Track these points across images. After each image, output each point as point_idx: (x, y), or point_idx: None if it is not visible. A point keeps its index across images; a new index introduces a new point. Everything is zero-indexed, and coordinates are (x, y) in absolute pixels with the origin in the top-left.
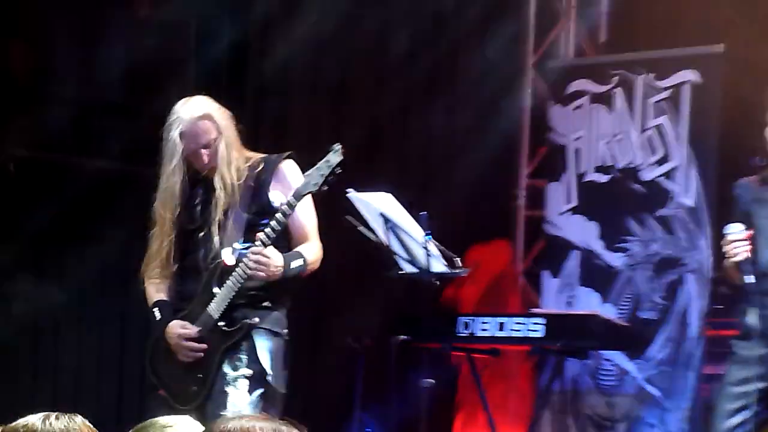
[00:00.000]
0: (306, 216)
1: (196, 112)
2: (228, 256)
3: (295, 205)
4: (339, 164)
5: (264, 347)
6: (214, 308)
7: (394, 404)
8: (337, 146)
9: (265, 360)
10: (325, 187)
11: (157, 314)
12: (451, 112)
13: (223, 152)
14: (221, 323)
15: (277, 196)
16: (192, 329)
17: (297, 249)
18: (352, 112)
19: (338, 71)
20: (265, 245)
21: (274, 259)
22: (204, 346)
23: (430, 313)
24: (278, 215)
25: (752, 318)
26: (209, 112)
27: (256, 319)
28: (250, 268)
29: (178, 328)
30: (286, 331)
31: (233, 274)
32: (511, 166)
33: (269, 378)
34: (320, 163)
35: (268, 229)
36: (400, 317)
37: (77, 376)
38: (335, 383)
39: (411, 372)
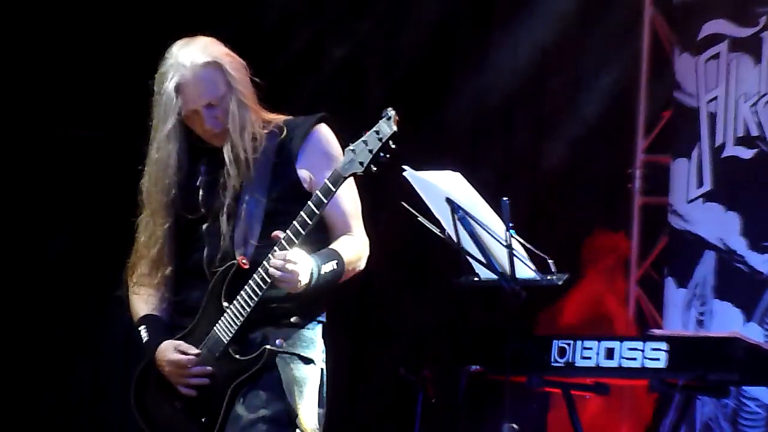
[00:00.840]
0: (347, 199)
1: (198, 57)
2: (242, 258)
3: (333, 194)
4: (392, 136)
5: (291, 379)
6: (224, 328)
7: None
8: (390, 111)
9: (293, 396)
10: (374, 168)
11: (144, 334)
12: (543, 67)
13: (234, 114)
14: (233, 348)
15: (307, 174)
16: (192, 351)
17: (332, 246)
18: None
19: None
20: (290, 246)
21: (301, 264)
22: (209, 370)
23: (514, 335)
24: (310, 206)
25: None
26: (216, 58)
27: (281, 342)
28: (269, 278)
29: (172, 351)
30: (322, 356)
31: (248, 283)
32: (623, 137)
33: (299, 421)
34: (367, 135)
35: (295, 225)
36: (472, 340)
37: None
38: (384, 427)
39: (487, 414)
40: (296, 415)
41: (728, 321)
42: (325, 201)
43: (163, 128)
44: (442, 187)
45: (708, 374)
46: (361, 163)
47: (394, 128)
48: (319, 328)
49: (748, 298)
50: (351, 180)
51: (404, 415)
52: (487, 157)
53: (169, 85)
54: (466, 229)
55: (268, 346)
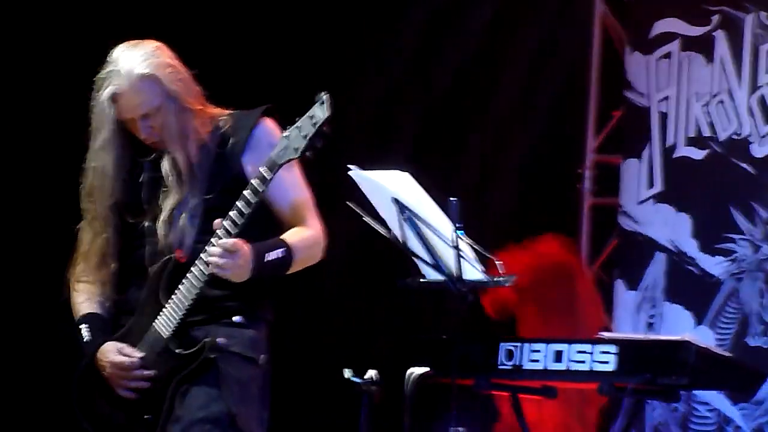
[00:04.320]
0: (294, 190)
1: (136, 67)
2: (179, 251)
3: (270, 180)
4: (326, 121)
5: (233, 379)
6: (164, 323)
7: None
8: (324, 95)
9: (235, 397)
10: (309, 154)
11: (86, 333)
12: (493, 63)
13: (171, 125)
14: (173, 344)
15: (252, 168)
16: (133, 354)
17: (281, 236)
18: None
19: None
20: (229, 235)
21: (241, 252)
22: (150, 373)
23: (461, 337)
24: (246, 193)
25: None
26: (154, 70)
27: (222, 341)
28: (209, 267)
29: (114, 353)
30: (264, 356)
31: (187, 277)
32: (573, 136)
33: (237, 420)
34: (301, 120)
35: (233, 213)
36: (419, 343)
37: None
38: (329, 430)
39: (434, 418)
40: (235, 414)
41: (679, 324)
42: (260, 189)
43: (100, 137)
44: (388, 187)
45: (658, 378)
46: (296, 149)
47: (328, 113)
48: (263, 327)
49: (699, 300)
50: (297, 171)
51: (349, 418)
52: (435, 157)
53: (104, 94)
54: (412, 230)
55: (207, 339)
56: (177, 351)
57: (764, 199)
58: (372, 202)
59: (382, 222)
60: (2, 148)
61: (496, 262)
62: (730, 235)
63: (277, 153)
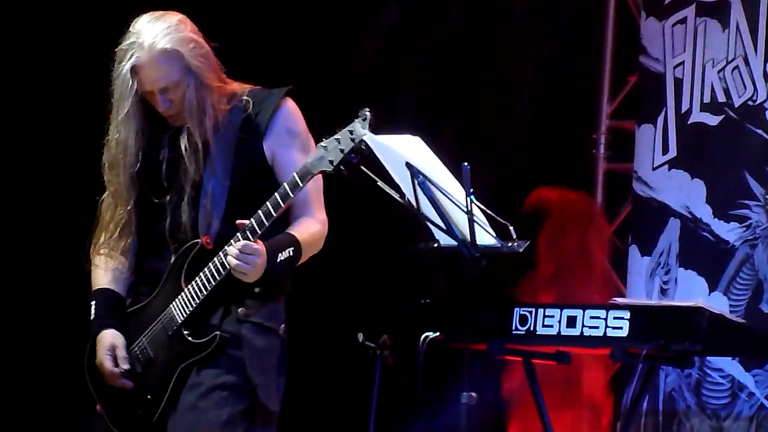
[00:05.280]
0: (310, 183)
1: (158, 41)
2: (206, 237)
3: (300, 189)
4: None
5: (253, 349)
6: (181, 307)
7: (422, 426)
8: (366, 112)
9: (254, 366)
10: (343, 169)
11: (93, 311)
12: (507, 28)
13: (191, 100)
14: (186, 329)
15: (272, 150)
16: (122, 366)
17: (291, 230)
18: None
19: None
20: (252, 236)
21: (258, 256)
22: (130, 385)
23: (474, 302)
24: (276, 198)
25: None
26: (176, 44)
27: (243, 311)
28: (228, 267)
29: (105, 348)
30: (283, 326)
31: (208, 266)
32: (587, 101)
33: (257, 390)
34: (341, 133)
35: (260, 215)
36: (431, 308)
37: None
38: (342, 396)
39: (447, 383)
40: (256, 384)
41: (693, 290)
42: (292, 195)
43: (121, 108)
44: (401, 152)
45: (671, 344)
46: (331, 162)
47: (367, 131)
48: (282, 297)
49: (712, 267)
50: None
51: (363, 383)
52: (448, 122)
53: (126, 66)
54: (426, 195)
55: (219, 333)
56: (188, 338)
57: None
58: (385, 166)
59: (396, 187)
60: (25, 121)
61: (509, 228)
62: (744, 201)
63: (312, 162)
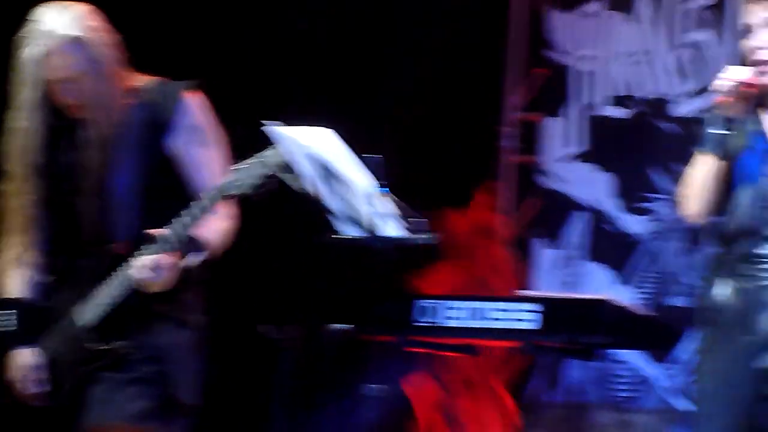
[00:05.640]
0: (214, 168)
1: (63, 29)
2: (117, 242)
3: (210, 211)
4: (278, 168)
5: (170, 344)
6: (87, 310)
7: (330, 417)
8: (270, 151)
9: (171, 361)
10: (254, 195)
11: (8, 322)
12: (412, 21)
13: (95, 92)
14: (93, 333)
15: (178, 146)
16: (35, 383)
17: (201, 234)
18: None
19: None
20: (162, 248)
21: (167, 269)
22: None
23: (381, 294)
24: (186, 219)
25: (725, 291)
26: (82, 33)
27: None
28: (137, 278)
29: (19, 372)
30: (199, 317)
31: (117, 272)
32: (494, 94)
33: (173, 384)
34: (254, 158)
35: (170, 231)
36: (338, 300)
37: None
38: (249, 388)
39: (353, 374)
40: (171, 378)
41: (598, 283)
42: (201, 217)
43: (24, 96)
44: (307, 143)
45: (577, 336)
46: (240, 186)
47: (281, 160)
48: (196, 288)
49: (619, 259)
50: (220, 152)
51: (269, 376)
52: (357, 114)
53: (30, 53)
54: (332, 187)
55: (120, 343)
56: (95, 342)
57: (684, 159)
58: (290, 158)
59: (304, 178)
60: None
61: (418, 219)
62: (651, 195)
63: (223, 185)
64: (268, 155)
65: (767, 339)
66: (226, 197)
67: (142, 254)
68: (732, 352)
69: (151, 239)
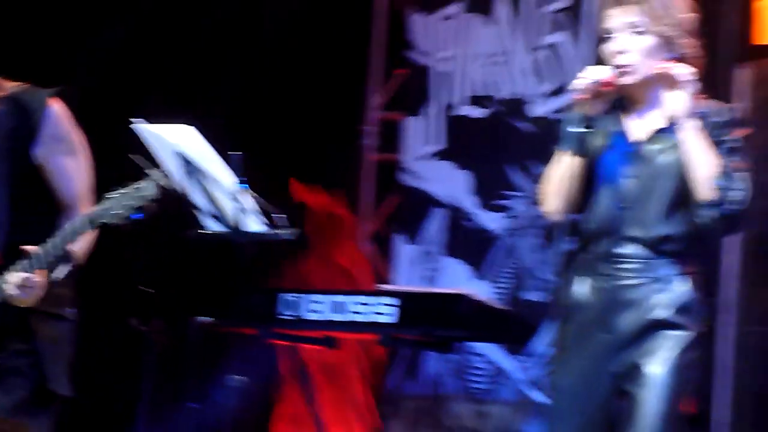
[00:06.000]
0: (80, 182)
1: None
2: None
3: (81, 235)
4: (151, 199)
5: (45, 338)
6: None
7: (194, 407)
8: (157, 174)
9: (46, 356)
10: (125, 223)
11: None
12: (279, 22)
13: None
14: None
15: (43, 156)
16: None
17: (69, 248)
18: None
19: None
20: (34, 266)
21: (36, 287)
22: None
23: (243, 288)
24: (58, 241)
25: (583, 289)
26: None
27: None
28: (6, 294)
29: None
30: (72, 310)
31: None
32: (356, 93)
33: (47, 377)
34: (130, 188)
35: (42, 251)
36: (202, 293)
37: None
38: (116, 380)
39: (217, 365)
40: (46, 372)
41: (457, 278)
42: (74, 241)
43: None
44: (172, 141)
45: (435, 330)
46: (116, 215)
47: (155, 193)
48: (69, 282)
49: (476, 255)
50: (83, 158)
51: (135, 366)
52: (220, 112)
53: None
54: (196, 183)
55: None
56: None
57: (541, 158)
58: (156, 155)
59: (168, 174)
60: None
61: (279, 215)
62: (508, 192)
63: (97, 212)
64: (142, 186)
65: (624, 338)
66: (97, 225)
67: (13, 270)
68: (589, 350)
69: (24, 255)
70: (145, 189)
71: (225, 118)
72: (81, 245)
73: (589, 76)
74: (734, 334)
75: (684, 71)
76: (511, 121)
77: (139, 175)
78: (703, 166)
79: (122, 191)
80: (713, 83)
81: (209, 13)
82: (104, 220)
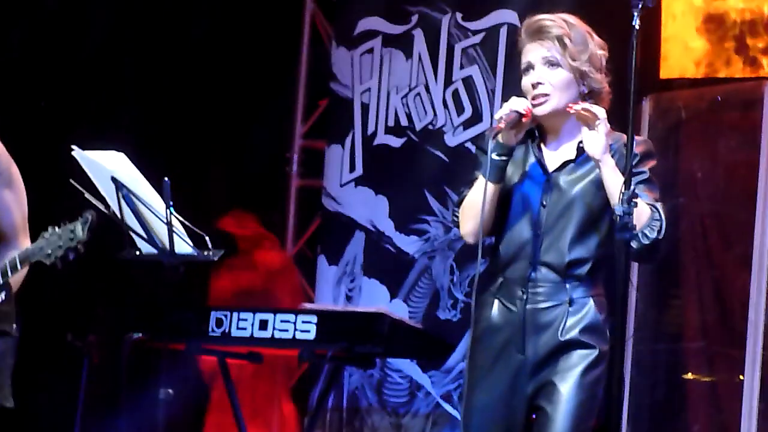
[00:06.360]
0: (17, 214)
1: None
2: None
3: (17, 272)
4: (83, 242)
5: None
6: None
7: (125, 420)
8: (89, 215)
9: None
10: (59, 265)
11: None
12: (209, 53)
13: None
14: None
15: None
16: None
17: (5, 280)
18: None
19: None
20: None
21: None
22: None
23: (173, 305)
24: None
25: (498, 312)
26: None
27: None
28: None
29: None
30: (15, 326)
31: None
32: (282, 122)
33: None
34: (63, 229)
35: None
36: (135, 310)
37: None
38: (53, 392)
39: (148, 379)
40: None
41: (376, 297)
42: (11, 276)
43: None
44: (107, 167)
45: (355, 346)
46: (49, 255)
47: (86, 236)
48: (10, 298)
49: (394, 276)
50: (19, 189)
51: (70, 380)
52: (150, 138)
53: None
54: (129, 207)
55: None
56: None
57: (455, 185)
58: (93, 180)
59: (102, 199)
60: None
61: (206, 238)
62: (424, 217)
63: (32, 250)
64: (76, 229)
65: (539, 359)
66: (30, 263)
67: None
68: (506, 371)
69: None
70: (77, 231)
71: (155, 145)
72: (17, 277)
73: (508, 106)
74: (630, 351)
75: (598, 110)
76: (427, 149)
77: (73, 214)
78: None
79: (57, 231)
80: (621, 116)
81: (139, 41)
82: (38, 259)
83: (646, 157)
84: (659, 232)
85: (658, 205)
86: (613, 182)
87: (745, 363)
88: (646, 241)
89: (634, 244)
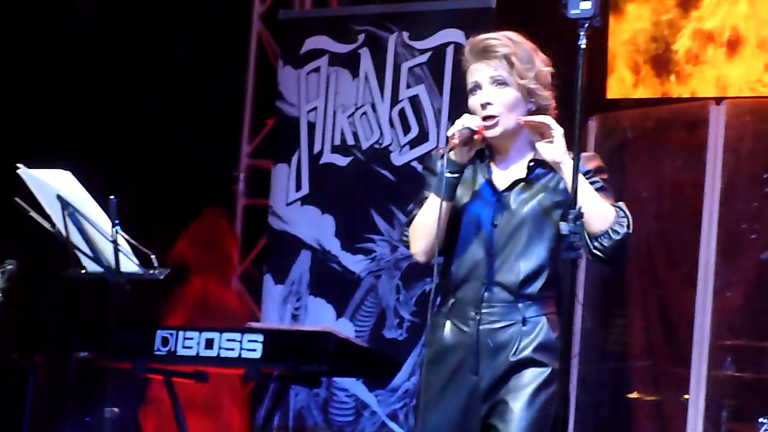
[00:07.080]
0: None
1: None
2: None
3: None
4: (5, 291)
5: None
6: None
7: None
8: (10, 264)
9: None
10: None
11: None
12: (155, 72)
13: None
14: None
15: None
16: None
17: None
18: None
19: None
20: None
21: None
22: None
23: (119, 324)
24: None
25: (451, 332)
26: None
27: None
28: None
29: None
30: None
31: None
32: (229, 141)
33: None
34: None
35: None
36: (80, 329)
37: None
38: (4, 411)
39: (93, 398)
40: None
41: (322, 316)
42: None
43: None
44: (53, 185)
45: (301, 365)
46: None
47: (6, 284)
48: None
49: (340, 295)
50: None
51: (15, 398)
52: (99, 157)
53: None
54: (74, 225)
55: None
56: None
57: (402, 203)
58: (38, 198)
59: (48, 217)
60: None
61: (151, 257)
62: (371, 236)
63: None
64: (7, 269)
65: (493, 379)
66: None
67: None
68: (459, 391)
69: None
70: (8, 273)
71: (102, 164)
72: None
73: (461, 123)
74: (576, 369)
75: (547, 119)
76: (375, 168)
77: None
78: (589, 200)
79: None
80: (567, 136)
81: (85, 59)
82: None
83: (599, 171)
84: (628, 226)
85: (621, 203)
86: (578, 186)
87: (690, 382)
88: (616, 237)
89: (605, 242)
